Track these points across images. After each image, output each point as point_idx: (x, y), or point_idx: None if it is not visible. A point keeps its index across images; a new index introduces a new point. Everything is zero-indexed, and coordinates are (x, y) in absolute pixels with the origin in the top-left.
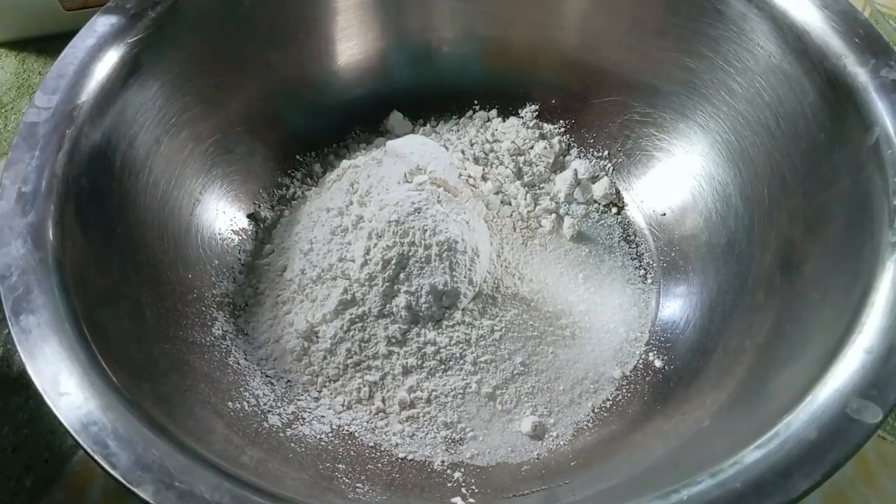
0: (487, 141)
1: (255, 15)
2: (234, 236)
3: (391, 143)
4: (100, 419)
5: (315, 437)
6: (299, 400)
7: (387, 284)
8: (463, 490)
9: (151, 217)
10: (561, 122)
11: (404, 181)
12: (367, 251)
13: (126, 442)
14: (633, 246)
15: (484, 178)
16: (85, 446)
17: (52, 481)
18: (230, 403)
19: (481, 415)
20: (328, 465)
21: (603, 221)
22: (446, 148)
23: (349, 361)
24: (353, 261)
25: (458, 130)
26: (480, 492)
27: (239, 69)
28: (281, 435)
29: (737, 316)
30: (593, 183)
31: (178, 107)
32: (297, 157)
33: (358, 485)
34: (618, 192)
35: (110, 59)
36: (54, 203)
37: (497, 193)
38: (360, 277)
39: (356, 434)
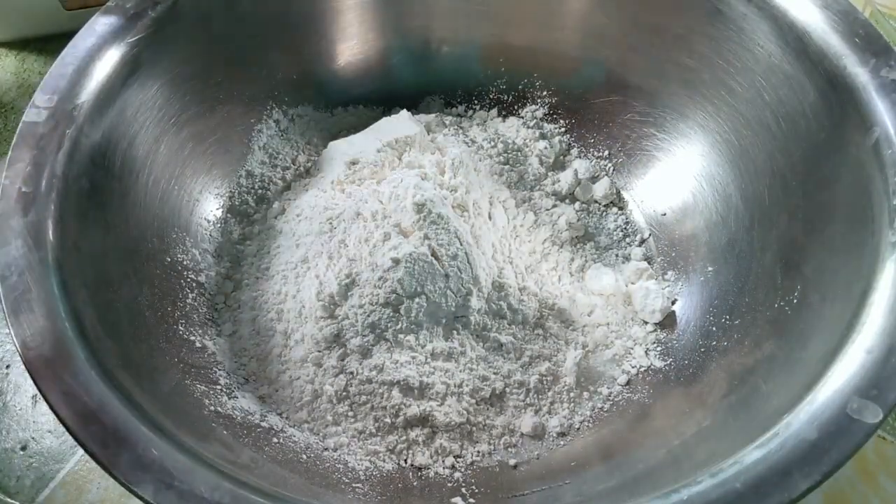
0: (488, 141)
1: (255, 15)
2: (233, 236)
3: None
4: (100, 419)
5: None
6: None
7: (386, 285)
8: (463, 490)
9: (151, 217)
10: (561, 122)
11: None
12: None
13: (126, 442)
14: (634, 246)
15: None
16: (85, 446)
17: (51, 481)
18: (230, 403)
19: (482, 415)
20: (328, 465)
21: (603, 221)
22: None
23: (344, 368)
24: (353, 259)
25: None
26: (480, 492)
27: (239, 69)
28: (281, 434)
29: (737, 316)
30: (594, 183)
31: (178, 106)
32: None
33: (357, 485)
34: (618, 192)
35: (110, 58)
36: (54, 203)
37: (497, 193)
38: (365, 276)
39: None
